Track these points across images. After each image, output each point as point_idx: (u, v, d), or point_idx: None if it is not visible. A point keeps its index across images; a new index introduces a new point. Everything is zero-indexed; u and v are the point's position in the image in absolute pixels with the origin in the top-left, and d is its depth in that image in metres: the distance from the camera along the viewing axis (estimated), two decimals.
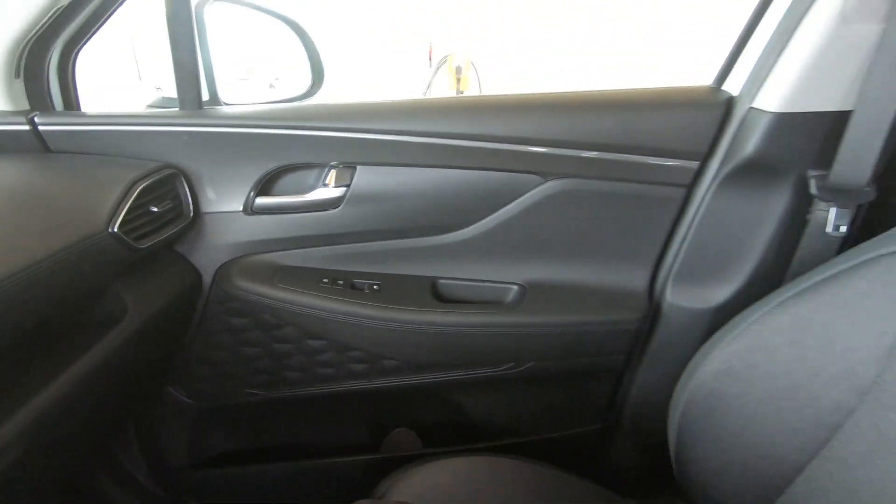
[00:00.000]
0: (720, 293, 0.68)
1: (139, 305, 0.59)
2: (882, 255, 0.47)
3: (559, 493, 0.64)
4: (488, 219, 0.70)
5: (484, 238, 0.71)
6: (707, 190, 0.65)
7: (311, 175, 0.70)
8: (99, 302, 0.58)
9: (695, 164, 0.65)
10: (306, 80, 0.85)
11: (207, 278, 0.69)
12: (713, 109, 0.63)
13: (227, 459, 0.84)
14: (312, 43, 0.82)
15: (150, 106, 0.72)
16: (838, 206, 0.58)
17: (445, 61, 3.18)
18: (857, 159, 0.56)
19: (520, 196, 0.68)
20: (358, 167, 0.68)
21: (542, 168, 0.67)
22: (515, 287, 0.74)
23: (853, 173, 0.57)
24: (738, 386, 0.54)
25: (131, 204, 0.55)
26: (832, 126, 0.57)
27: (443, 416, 0.84)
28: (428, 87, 3.21)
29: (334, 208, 0.69)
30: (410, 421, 0.85)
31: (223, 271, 0.69)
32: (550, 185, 0.67)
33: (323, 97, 0.80)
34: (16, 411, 0.45)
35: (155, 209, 0.59)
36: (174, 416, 0.79)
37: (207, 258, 0.69)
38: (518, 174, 0.67)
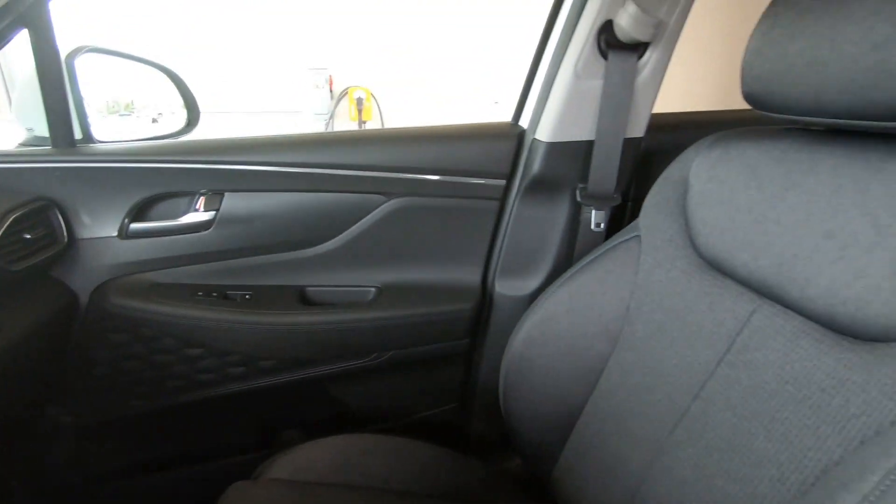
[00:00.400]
0: (532, 282, 0.87)
1: (11, 326, 0.65)
2: (620, 242, 0.67)
3: (422, 462, 0.77)
4: (345, 233, 0.84)
5: (343, 249, 0.85)
6: (513, 202, 0.83)
7: (182, 202, 0.79)
8: None
9: (502, 182, 0.83)
10: (183, 118, 0.95)
11: (84, 299, 0.76)
12: (510, 140, 0.82)
13: (117, 473, 0.88)
14: (185, 85, 0.92)
15: (22, 144, 0.78)
16: (596, 210, 0.79)
17: (346, 93, 3.33)
18: (602, 175, 0.77)
19: (369, 213, 0.83)
20: (226, 193, 0.79)
21: (384, 189, 0.82)
22: (373, 289, 0.87)
23: (602, 185, 0.78)
24: (538, 349, 0.71)
25: (4, 231, 0.62)
26: (585, 151, 0.78)
27: (323, 409, 0.94)
28: (330, 117, 3.33)
29: (206, 230, 0.79)
30: (295, 417, 0.94)
31: (100, 291, 0.76)
32: (392, 203, 0.82)
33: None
34: None
35: (28, 236, 0.66)
36: (58, 434, 0.83)
37: (84, 280, 0.76)
38: (365, 195, 0.82)
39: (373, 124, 3.41)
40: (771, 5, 0.48)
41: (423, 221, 0.84)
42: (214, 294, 0.80)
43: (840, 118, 0.43)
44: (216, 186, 0.78)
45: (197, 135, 0.89)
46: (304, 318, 0.80)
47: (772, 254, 0.48)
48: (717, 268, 0.55)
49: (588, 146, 0.77)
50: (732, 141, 0.57)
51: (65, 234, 0.72)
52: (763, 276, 0.49)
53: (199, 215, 0.79)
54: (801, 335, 0.45)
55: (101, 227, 0.75)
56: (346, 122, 3.39)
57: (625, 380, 0.63)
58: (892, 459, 0.34)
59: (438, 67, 3.32)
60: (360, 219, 0.83)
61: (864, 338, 0.41)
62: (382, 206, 0.83)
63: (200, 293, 0.79)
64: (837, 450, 0.40)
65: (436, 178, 0.82)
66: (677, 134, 0.86)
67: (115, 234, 0.76)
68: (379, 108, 3.41)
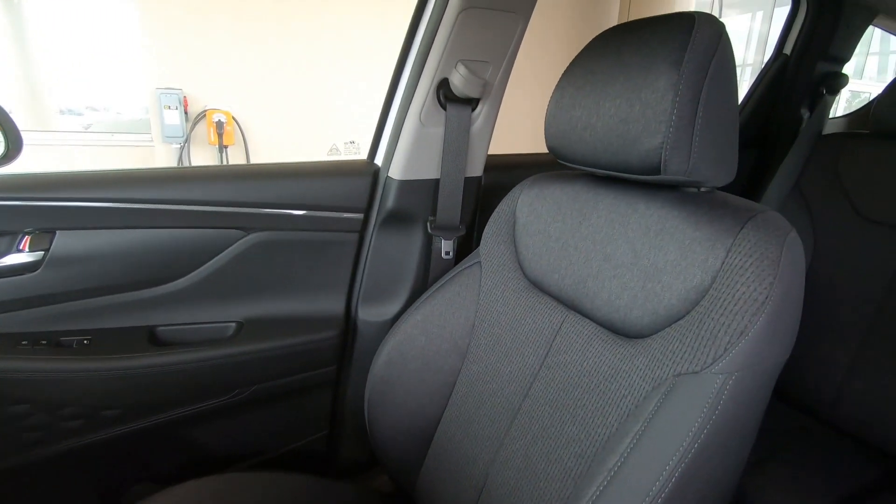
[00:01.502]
0: (392, 307, 0.93)
1: None
2: (465, 268, 0.76)
3: (288, 494, 0.78)
4: (202, 268, 0.82)
5: (200, 285, 0.83)
6: (371, 233, 0.90)
7: (1, 242, 0.71)
8: None
9: (360, 216, 0.89)
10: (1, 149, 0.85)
11: None
12: (366, 177, 0.89)
13: None
14: (5, 112, 0.83)
15: None
16: (444, 239, 0.89)
17: (204, 116, 3.14)
18: (448, 208, 0.88)
19: (228, 247, 0.83)
20: (57, 232, 0.73)
21: (242, 224, 0.82)
22: (234, 324, 0.86)
23: (448, 218, 0.88)
24: (397, 369, 0.77)
25: None
26: (432, 188, 0.87)
27: (179, 455, 0.89)
28: (185, 140, 3.11)
29: (32, 272, 0.72)
30: (147, 468, 0.87)
31: None
32: (252, 238, 0.83)
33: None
34: None
35: None
36: None
37: None
38: (222, 230, 0.82)
39: (236, 149, 3.26)
40: (560, 79, 0.62)
41: (284, 255, 0.87)
42: (43, 342, 0.73)
43: (609, 169, 0.57)
44: (45, 225, 0.72)
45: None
46: (154, 359, 0.77)
47: (573, 273, 0.61)
48: (538, 286, 0.67)
49: (435, 184, 0.87)
50: (546, 182, 0.70)
51: None
52: (568, 292, 0.62)
53: (22, 256, 0.72)
54: (594, 338, 0.58)
55: None
56: (205, 147, 3.19)
57: (471, 389, 0.72)
58: (639, 424, 0.47)
59: (299, 94, 3.31)
60: (217, 254, 0.82)
61: (630, 335, 0.54)
62: (241, 241, 0.83)
63: (25, 342, 0.72)
64: (615, 423, 0.52)
65: (296, 212, 0.85)
66: (510, 173, 1.01)
67: None
68: (242, 131, 3.27)
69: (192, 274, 0.82)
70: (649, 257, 0.53)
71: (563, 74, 0.62)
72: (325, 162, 0.91)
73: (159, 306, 0.81)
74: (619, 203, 0.59)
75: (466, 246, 0.95)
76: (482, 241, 0.77)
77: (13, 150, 0.84)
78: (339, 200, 0.87)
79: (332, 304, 0.92)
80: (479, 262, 0.76)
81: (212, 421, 0.89)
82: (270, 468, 0.81)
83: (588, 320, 0.60)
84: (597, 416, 0.55)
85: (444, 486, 0.72)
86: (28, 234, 0.72)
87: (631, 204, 0.58)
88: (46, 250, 0.72)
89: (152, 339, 0.80)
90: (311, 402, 0.95)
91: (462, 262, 0.79)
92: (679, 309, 0.50)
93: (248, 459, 0.94)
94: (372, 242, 0.90)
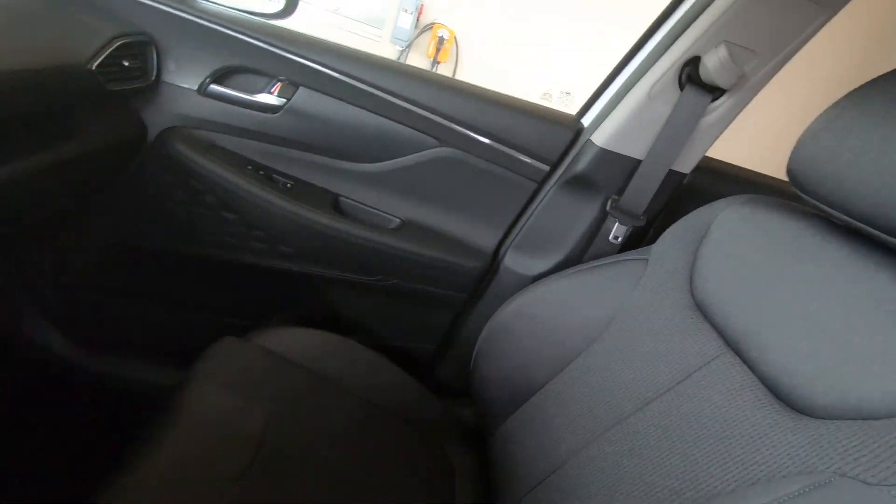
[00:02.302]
0: (539, 265, 0.93)
1: (87, 138, 0.73)
2: (629, 259, 0.73)
3: (392, 381, 0.87)
4: (392, 161, 0.90)
5: (384, 175, 0.91)
6: (549, 189, 0.89)
7: (260, 81, 0.85)
8: (57, 122, 0.71)
9: (545, 168, 0.88)
10: (282, 2, 0.99)
11: (151, 136, 0.84)
12: (567, 132, 0.86)
13: (123, 296, 0.98)
14: None
15: None
16: (619, 223, 0.84)
17: (430, 28, 3.29)
18: (637, 194, 0.82)
19: (417, 151, 0.89)
20: (300, 87, 0.85)
21: (439, 134, 0.87)
22: (397, 220, 0.94)
23: (633, 203, 0.83)
24: (521, 322, 0.79)
25: (109, 53, 0.69)
26: (630, 168, 0.82)
27: (317, 306, 1.03)
28: (408, 46, 3.31)
29: (273, 114, 0.86)
30: (291, 303, 1.03)
31: (166, 134, 0.84)
32: (442, 150, 0.88)
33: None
34: None
35: (126, 64, 0.73)
36: (81, 248, 0.92)
37: (156, 119, 0.83)
38: (421, 134, 0.87)
39: (445, 67, 3.39)
40: (843, 98, 0.52)
41: (463, 177, 0.90)
42: (262, 172, 0.88)
43: (865, 224, 0.47)
44: (295, 78, 0.84)
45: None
46: (332, 222, 0.88)
47: (752, 314, 0.54)
48: (702, 310, 0.61)
49: (634, 164, 0.82)
50: (760, 206, 0.61)
51: (154, 72, 0.79)
52: (736, 330, 0.55)
53: (271, 98, 0.85)
54: (747, 389, 0.52)
55: (185, 77, 0.82)
56: (420, 57, 3.37)
57: (584, 375, 0.70)
58: (767, 499, 0.42)
59: (529, 31, 3.25)
60: (408, 154, 0.89)
61: (795, 407, 0.47)
62: (432, 150, 0.88)
63: (250, 167, 0.87)
64: (733, 483, 0.47)
65: (488, 141, 0.87)
66: (718, 182, 0.90)
67: (196, 88, 0.83)
68: (457, 53, 3.37)
69: (383, 163, 0.90)
70: (865, 337, 0.44)
71: (851, 93, 0.51)
72: (531, 103, 0.90)
73: (349, 180, 0.92)
74: (855, 263, 0.49)
75: (636, 238, 0.89)
76: (660, 241, 0.71)
77: (290, 7, 0.98)
78: (531, 145, 0.87)
79: (486, 239, 0.95)
80: (647, 259, 0.71)
81: (349, 291, 1.00)
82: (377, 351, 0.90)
83: (746, 368, 0.53)
84: (714, 465, 0.50)
85: (518, 449, 0.73)
86: (280, 81, 0.85)
87: (871, 270, 0.48)
88: (288, 99, 0.85)
89: (335, 205, 0.92)
90: (432, 315, 1.02)
91: (627, 252, 0.75)
92: (877, 407, 0.41)
93: (362, 335, 1.05)
94: (546, 197, 0.89)
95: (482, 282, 0.96)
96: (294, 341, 0.83)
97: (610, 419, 0.63)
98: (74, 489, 0.39)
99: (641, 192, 0.82)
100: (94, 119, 0.73)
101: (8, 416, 0.93)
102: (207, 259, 0.93)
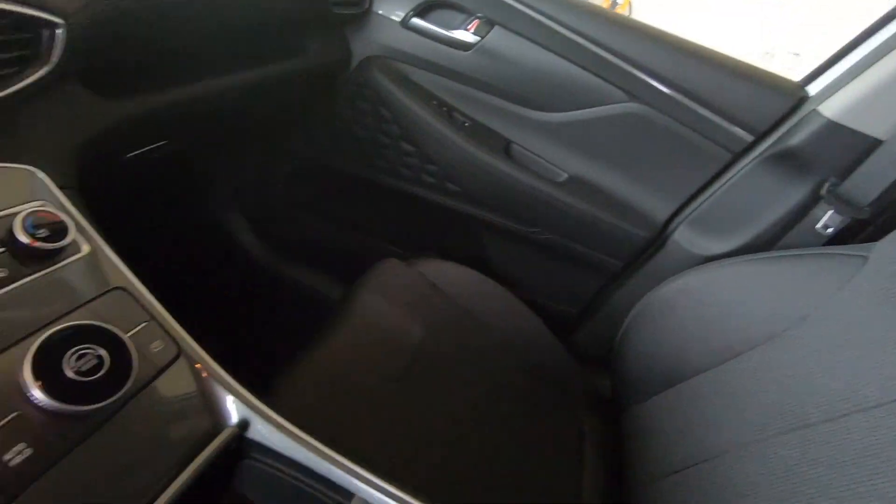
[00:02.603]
0: (716, 246, 0.85)
1: (311, 54, 0.81)
2: (841, 254, 0.63)
3: (539, 337, 0.87)
4: (572, 112, 0.87)
5: (561, 126, 0.88)
6: (748, 162, 0.79)
7: (459, 17, 0.87)
8: (292, 36, 0.79)
9: (749, 138, 0.78)
10: None
11: (354, 62, 0.90)
12: (786, 100, 0.75)
13: (305, 211, 1.11)
14: None
15: None
16: (834, 212, 0.72)
17: None
18: (869, 182, 0.69)
19: (605, 104, 0.84)
20: (496, 27, 0.84)
21: (632, 88, 0.81)
22: (565, 174, 0.92)
23: (860, 192, 0.70)
24: (684, 302, 0.73)
25: None
26: (864, 148, 0.69)
27: (472, 246, 1.05)
28: None
29: (464, 51, 0.87)
30: (446, 239, 1.07)
31: (368, 61, 0.90)
32: (629, 106, 0.82)
33: None
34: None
35: None
36: (284, 166, 1.05)
37: (361, 46, 0.89)
38: (611, 86, 0.82)
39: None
40: None
41: (647, 137, 0.84)
42: (445, 109, 0.90)
43: None
44: (492, 16, 0.84)
45: None
46: (502, 166, 0.88)
47: None
48: None
49: (872, 145, 0.69)
50: None
51: (369, 0, 0.85)
52: None
53: (466, 35, 0.86)
54: None
55: (392, 8, 0.86)
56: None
57: (761, 372, 0.63)
58: None
59: None
60: (593, 106, 0.85)
61: None
62: (619, 105, 0.83)
63: (435, 102, 0.90)
64: None
65: (686, 101, 0.79)
66: None
67: (400, 20, 0.87)
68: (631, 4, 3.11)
69: (563, 114, 0.87)
70: None
71: None
72: (745, 63, 0.80)
73: (524, 127, 0.91)
74: None
75: (849, 231, 0.76)
76: (889, 239, 0.60)
77: None
78: (737, 111, 0.77)
79: (657, 209, 0.88)
80: (865, 257, 0.60)
81: (505, 238, 1.01)
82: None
83: None
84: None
85: (661, 430, 0.70)
86: (478, 18, 0.85)
87: None
88: (482, 38, 0.85)
89: (506, 150, 0.92)
90: (581, 277, 1.00)
91: (838, 246, 0.64)
92: None
93: (510, 286, 1.05)
94: (742, 171, 0.79)
95: (644, 252, 0.91)
96: (449, 275, 0.87)
97: (788, 422, 0.56)
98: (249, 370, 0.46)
99: (874, 178, 0.69)
100: (317, 39, 0.81)
101: (198, 289, 1.11)
102: (382, 187, 1.00)
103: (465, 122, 0.91)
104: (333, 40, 0.85)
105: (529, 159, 0.93)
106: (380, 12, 0.87)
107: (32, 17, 0.34)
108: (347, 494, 0.38)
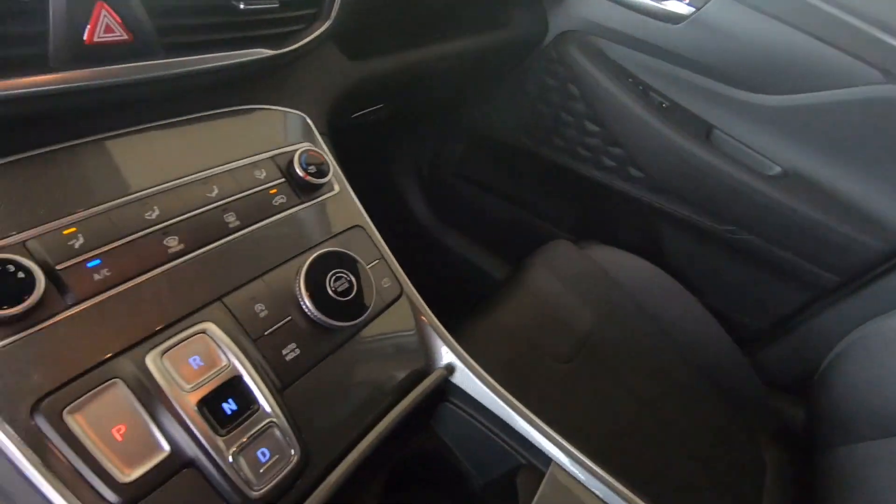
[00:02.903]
0: None
1: (512, 27, 0.81)
2: None
3: (721, 346, 0.79)
4: (801, 95, 0.74)
5: (782, 111, 0.76)
6: None
7: None
8: (498, 8, 0.80)
9: None
10: None
11: (549, 37, 0.88)
12: None
13: (479, 184, 1.13)
14: None
15: None
16: None
17: None
18: None
19: (846, 86, 0.70)
20: None
21: (886, 65, 0.67)
22: (778, 168, 0.80)
23: None
24: None
25: None
26: None
27: (646, 239, 0.98)
28: None
29: (675, 24, 0.79)
30: (620, 228, 1.01)
31: (563, 36, 0.87)
32: (884, 89, 0.68)
33: None
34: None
35: None
36: (459, 136, 1.08)
37: (559, 19, 0.87)
38: (864, 65, 0.68)
39: None
40: None
41: None
42: (640, 88, 0.84)
43: None
44: None
45: None
46: (700, 153, 0.80)
47: None
48: None
49: None
50: None
51: None
52: None
53: (680, 6, 0.78)
54: None
55: None
56: None
57: None
58: None
59: None
60: (831, 88, 0.72)
61: None
62: (868, 87, 0.69)
63: (631, 80, 0.84)
64: None
65: None
66: None
67: None
68: None
69: (789, 97, 0.75)
70: None
71: None
72: None
73: (732, 111, 0.80)
74: None
75: None
76: None
77: None
78: None
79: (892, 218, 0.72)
80: None
81: (688, 234, 0.91)
82: None
83: None
84: None
85: (863, 492, 0.58)
86: None
87: None
88: (698, 8, 0.77)
89: (708, 135, 0.83)
90: (780, 288, 0.86)
91: None
92: None
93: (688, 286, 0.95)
94: None
95: (874, 269, 0.75)
96: (625, 265, 0.82)
97: None
98: None
99: None
100: (521, 11, 0.81)
101: None
102: (557, 166, 0.97)
103: (662, 103, 0.84)
104: (534, 13, 0.84)
105: (734, 147, 0.82)
106: None
107: None
108: (545, 459, 0.38)
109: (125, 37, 0.29)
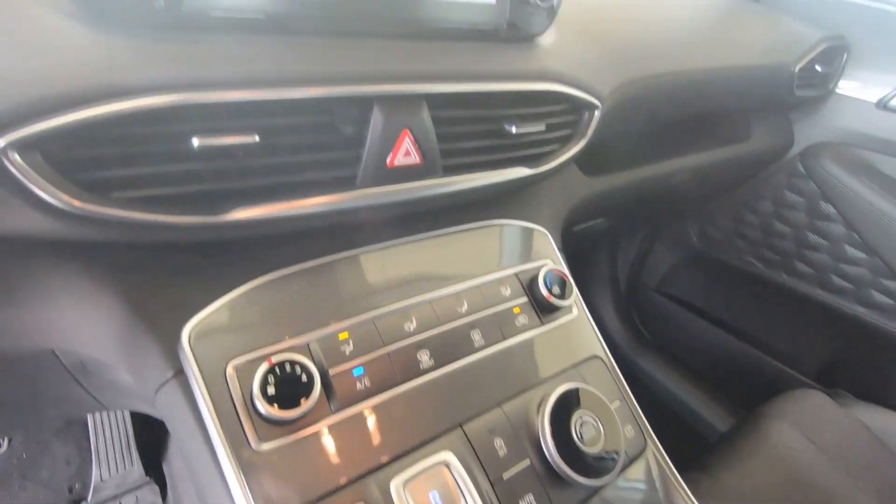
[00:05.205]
0: None
1: (756, 139, 0.73)
2: None
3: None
4: None
5: None
6: None
7: None
8: (739, 119, 0.74)
9: None
10: None
11: (795, 149, 0.77)
12: None
13: (680, 302, 1.00)
14: None
15: None
16: None
17: None
18: None
19: None
20: None
21: None
22: None
23: None
24: None
25: (812, 57, 0.66)
26: None
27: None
28: None
29: None
30: (889, 390, 0.78)
31: (815, 149, 0.75)
32: None
33: None
34: None
35: (818, 69, 0.67)
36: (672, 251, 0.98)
37: (809, 131, 0.76)
38: None
39: None
40: None
41: None
42: None
43: None
44: None
45: None
46: None
47: None
48: None
49: None
50: None
51: (836, 79, 0.71)
52: None
53: None
54: None
55: (865, 88, 0.71)
56: None
57: None
58: None
59: None
60: None
61: None
62: None
63: None
64: None
65: None
66: None
67: (875, 100, 0.70)
68: None
69: None
70: None
71: None
72: None
73: None
74: None
75: None
76: None
77: None
78: None
79: None
80: None
81: None
82: None
83: None
84: None
85: None
86: None
87: None
88: None
89: None
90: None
91: None
92: None
93: None
94: None
95: None
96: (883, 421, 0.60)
97: None
98: None
99: None
100: (764, 124, 0.73)
101: None
102: (799, 296, 0.81)
103: None
104: (779, 126, 0.76)
105: None
106: (845, 93, 0.73)
107: (584, 101, 0.39)
108: None
109: (417, 160, 0.31)
